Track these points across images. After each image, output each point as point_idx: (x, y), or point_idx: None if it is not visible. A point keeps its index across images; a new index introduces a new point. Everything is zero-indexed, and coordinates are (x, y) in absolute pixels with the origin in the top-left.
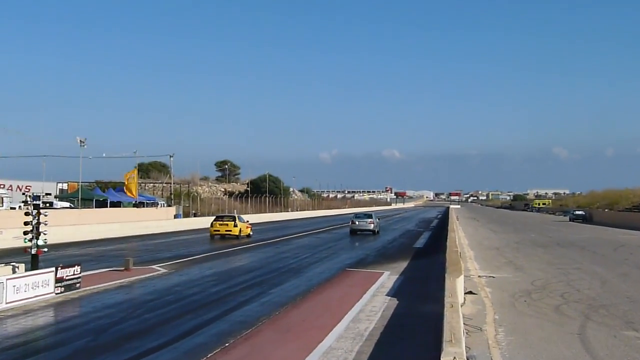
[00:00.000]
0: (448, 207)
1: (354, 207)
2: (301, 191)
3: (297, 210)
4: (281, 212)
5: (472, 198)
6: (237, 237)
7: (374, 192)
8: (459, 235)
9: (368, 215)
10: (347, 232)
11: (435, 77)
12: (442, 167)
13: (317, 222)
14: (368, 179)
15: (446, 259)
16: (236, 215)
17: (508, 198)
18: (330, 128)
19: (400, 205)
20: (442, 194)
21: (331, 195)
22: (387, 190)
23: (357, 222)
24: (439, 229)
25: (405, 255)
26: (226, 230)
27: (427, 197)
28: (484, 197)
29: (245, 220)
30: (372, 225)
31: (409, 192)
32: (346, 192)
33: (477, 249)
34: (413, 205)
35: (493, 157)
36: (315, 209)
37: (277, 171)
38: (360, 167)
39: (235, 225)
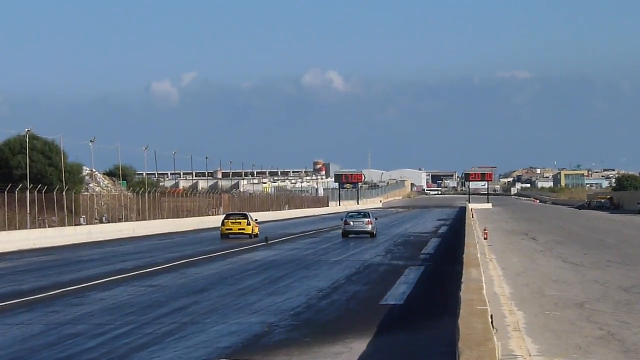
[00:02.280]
0: (464, 207)
1: (241, 212)
2: (110, 175)
3: (101, 222)
4: (60, 226)
5: (520, 185)
6: (250, 236)
7: (287, 174)
8: (491, 275)
9: (365, 214)
10: (223, 271)
11: None
12: (448, 111)
13: (152, 250)
14: (272, 143)
15: (458, 330)
16: (248, 214)
17: (606, 183)
18: (179, 32)
19: (349, 205)
20: (449, 176)
21: (184, 184)
22: (317, 170)
23: (351, 223)
24: (443, 261)
25: (364, 323)
26: (239, 229)
27: (413, 185)
28: (548, 182)
29: (255, 219)
30: (370, 226)
31: (371, 174)
32: (220, 174)
33: (532, 306)
34: (381, 205)
35: (569, 86)
36: (145, 217)
37: (52, 127)
38: (252, 114)
39: (249, 224)
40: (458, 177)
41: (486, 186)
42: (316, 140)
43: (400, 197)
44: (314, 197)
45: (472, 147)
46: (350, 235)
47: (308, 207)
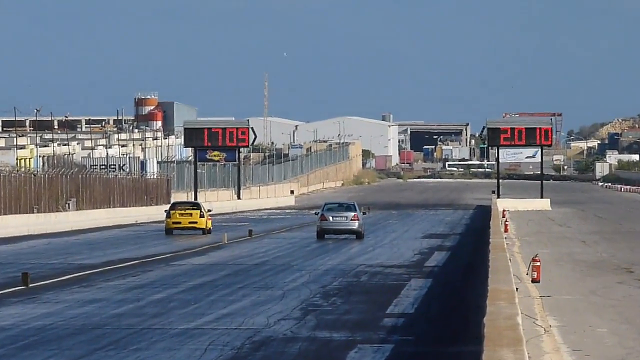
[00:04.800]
0: (486, 208)
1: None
2: None
3: None
4: None
5: (615, 158)
6: (203, 231)
7: (74, 127)
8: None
9: (348, 207)
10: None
11: None
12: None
13: None
14: (42, 57)
15: None
16: (200, 203)
17: None
18: None
19: (217, 201)
20: (452, 133)
21: None
22: (143, 117)
23: (330, 218)
24: (437, 333)
25: None
26: (190, 223)
27: (370, 155)
28: None
29: (208, 210)
30: (357, 223)
31: (270, 128)
32: None
33: None
34: (294, 201)
35: None
36: None
37: None
38: None
39: (202, 216)
40: (473, 136)
41: (538, 158)
42: (142, 50)
43: (340, 183)
44: (136, 182)
45: (504, 71)
46: (326, 236)
47: (124, 206)
